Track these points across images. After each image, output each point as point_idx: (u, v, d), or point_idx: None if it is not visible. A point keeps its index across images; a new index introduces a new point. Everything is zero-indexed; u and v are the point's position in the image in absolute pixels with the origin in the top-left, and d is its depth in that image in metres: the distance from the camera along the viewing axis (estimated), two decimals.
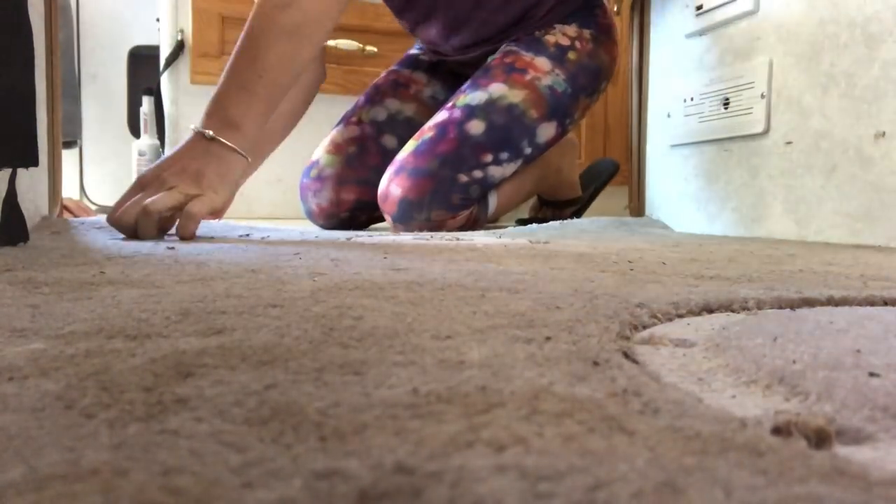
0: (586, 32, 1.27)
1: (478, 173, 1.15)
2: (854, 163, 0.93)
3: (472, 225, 1.20)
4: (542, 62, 1.22)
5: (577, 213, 1.55)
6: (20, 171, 0.66)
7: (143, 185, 0.83)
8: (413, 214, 1.11)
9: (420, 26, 1.30)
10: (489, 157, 1.15)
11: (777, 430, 0.19)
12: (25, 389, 0.21)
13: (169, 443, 0.17)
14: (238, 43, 0.91)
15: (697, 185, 1.24)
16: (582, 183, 1.55)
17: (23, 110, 0.63)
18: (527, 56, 1.22)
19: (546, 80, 1.21)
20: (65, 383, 0.22)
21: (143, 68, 2.11)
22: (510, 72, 1.20)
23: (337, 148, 1.29)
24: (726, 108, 1.15)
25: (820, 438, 0.19)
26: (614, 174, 1.59)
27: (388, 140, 1.31)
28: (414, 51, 1.44)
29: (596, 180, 1.58)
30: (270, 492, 0.14)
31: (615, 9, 1.97)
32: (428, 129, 1.17)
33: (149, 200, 0.79)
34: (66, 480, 0.15)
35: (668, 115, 1.31)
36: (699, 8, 1.21)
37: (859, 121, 0.92)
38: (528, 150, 1.20)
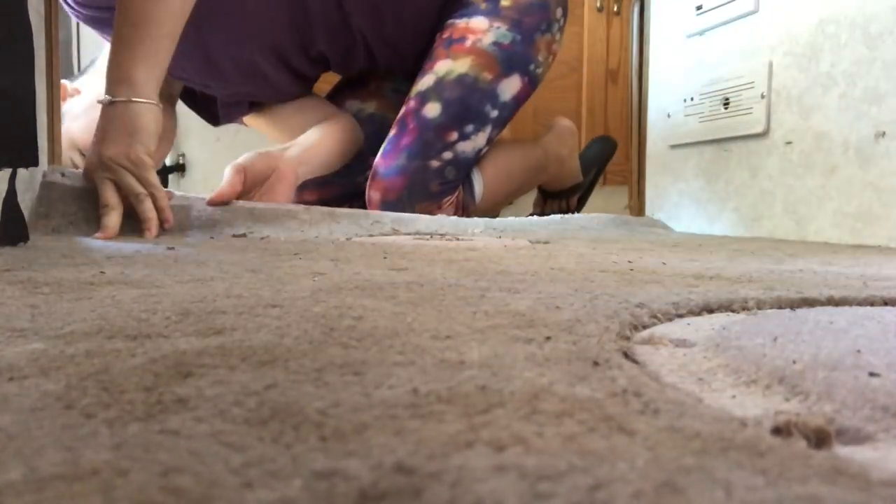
0: None
1: (447, 154, 1.13)
2: (854, 163, 0.93)
3: (463, 212, 1.19)
4: (478, 22, 1.18)
5: (582, 199, 1.54)
6: (20, 171, 0.66)
7: (90, 177, 0.85)
8: (398, 212, 1.12)
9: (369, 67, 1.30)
10: (454, 135, 1.14)
11: (777, 430, 0.19)
12: (25, 389, 0.21)
13: (169, 443, 0.17)
14: (116, 7, 0.89)
15: (697, 185, 1.24)
16: (584, 165, 1.53)
17: (23, 110, 0.63)
18: (461, 23, 1.19)
19: (488, 38, 1.17)
20: (65, 383, 0.22)
21: None
22: (450, 45, 1.18)
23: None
24: (726, 108, 1.15)
25: (820, 438, 0.19)
26: (612, 153, 1.57)
27: None
28: None
29: (592, 163, 1.56)
30: (270, 492, 0.14)
31: (615, 9, 1.98)
32: (391, 129, 1.17)
33: (99, 233, 0.81)
34: (66, 480, 0.15)
35: (668, 115, 1.31)
36: (699, 8, 1.21)
37: (859, 121, 0.92)
38: (494, 113, 1.17)
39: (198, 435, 0.17)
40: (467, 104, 1.15)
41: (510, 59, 1.18)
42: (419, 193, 1.12)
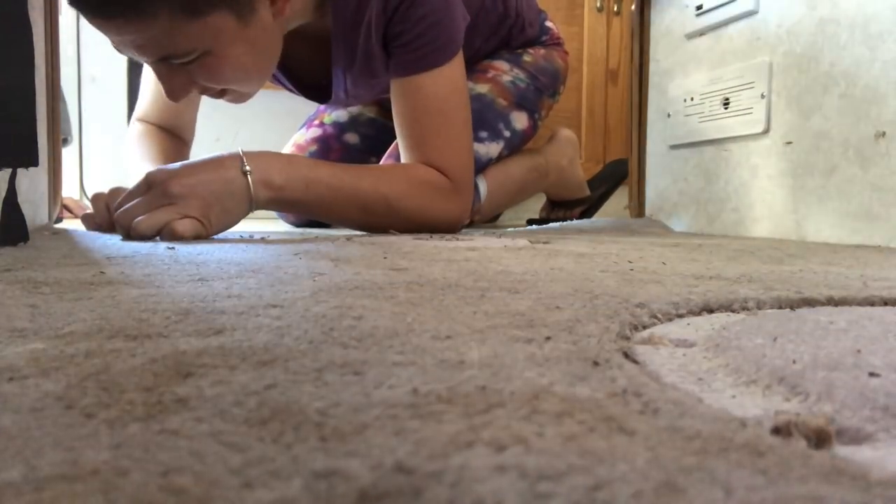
0: (536, 46, 1.33)
1: None
2: (854, 163, 0.93)
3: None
4: (501, 63, 1.26)
5: (587, 213, 1.55)
6: (20, 171, 0.66)
7: (149, 184, 0.79)
8: None
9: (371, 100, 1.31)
10: None
11: (777, 430, 0.19)
12: (25, 389, 0.21)
13: (169, 443, 0.17)
14: (354, 172, 0.88)
15: (697, 185, 1.24)
16: (596, 183, 1.55)
17: (23, 110, 0.63)
18: (483, 62, 1.26)
19: (507, 77, 1.25)
20: (65, 383, 0.22)
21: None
22: (472, 74, 1.22)
23: (299, 149, 1.31)
24: (726, 108, 1.15)
25: (820, 438, 0.19)
26: (625, 176, 1.60)
27: (350, 137, 1.32)
28: None
29: (608, 181, 1.59)
30: (270, 492, 0.14)
31: (615, 9, 1.98)
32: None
33: (139, 220, 0.76)
34: (66, 480, 0.15)
35: (668, 115, 1.31)
36: (699, 8, 1.21)
37: (859, 121, 0.92)
38: (506, 133, 1.22)
39: (198, 435, 0.17)
40: (483, 116, 1.20)
41: (523, 97, 1.25)
42: None
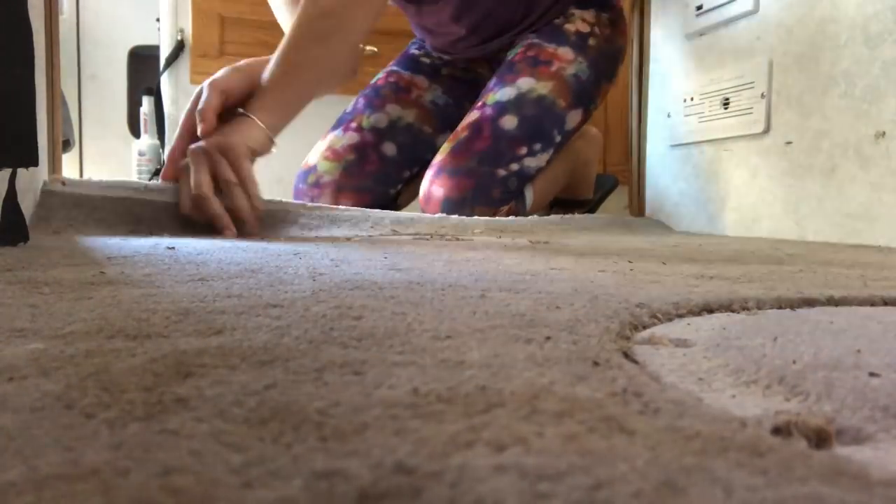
0: (604, 17, 1.29)
1: (514, 166, 1.17)
2: (854, 163, 0.93)
3: None
4: (566, 52, 1.24)
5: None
6: (20, 170, 0.66)
7: (194, 157, 0.89)
8: (456, 213, 1.13)
9: (427, 8, 1.29)
10: (524, 150, 1.18)
11: (777, 430, 0.19)
12: (25, 389, 0.21)
13: (169, 443, 0.17)
14: (283, 42, 0.98)
15: (697, 185, 1.24)
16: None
17: (23, 110, 0.63)
18: (549, 47, 1.24)
19: (571, 69, 1.23)
20: (65, 383, 0.22)
21: (143, 68, 2.11)
22: (535, 65, 1.22)
23: (335, 154, 1.29)
24: (726, 108, 1.15)
25: (820, 438, 0.19)
26: (613, 188, 1.61)
27: (388, 148, 1.31)
28: (414, 51, 1.43)
29: (599, 185, 1.59)
30: (270, 492, 0.14)
31: None
32: (462, 130, 1.19)
33: (191, 187, 0.87)
34: (66, 480, 0.15)
35: (668, 115, 1.31)
36: (699, 8, 1.21)
37: (859, 121, 0.92)
38: (558, 139, 1.22)
39: (198, 435, 0.17)
40: (541, 124, 1.20)
41: (581, 93, 1.24)
42: (482, 198, 1.15)
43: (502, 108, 1.18)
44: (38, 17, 0.87)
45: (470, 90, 1.36)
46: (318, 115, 1.46)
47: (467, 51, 1.35)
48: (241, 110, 0.94)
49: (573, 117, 1.24)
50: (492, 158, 1.16)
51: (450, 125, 1.32)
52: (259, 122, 0.93)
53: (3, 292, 0.39)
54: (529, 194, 1.25)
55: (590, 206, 1.54)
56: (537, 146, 1.19)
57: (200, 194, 0.87)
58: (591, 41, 1.27)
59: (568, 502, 0.14)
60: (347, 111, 1.36)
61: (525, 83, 1.20)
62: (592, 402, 0.20)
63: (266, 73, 0.97)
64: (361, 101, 1.35)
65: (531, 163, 1.19)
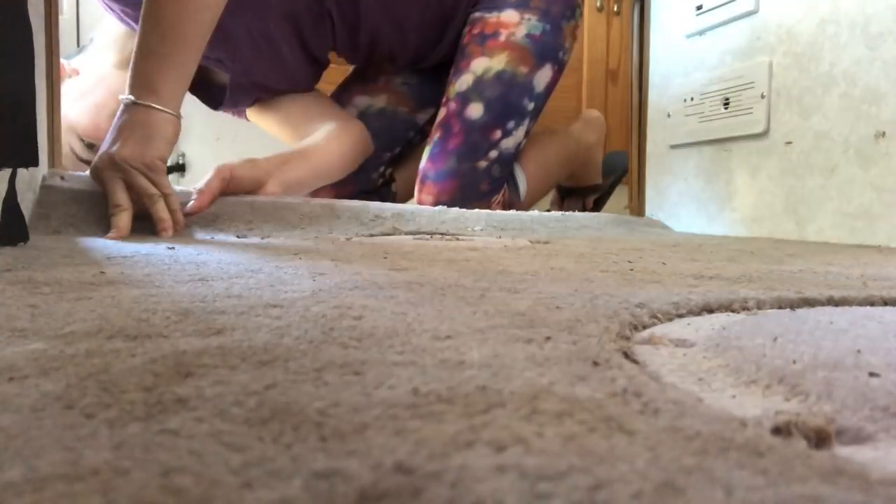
0: None
1: (493, 153, 1.16)
2: (854, 163, 0.93)
3: (507, 208, 1.21)
4: (509, 15, 1.19)
5: (599, 202, 1.54)
6: (20, 170, 0.66)
7: (99, 176, 0.83)
8: None
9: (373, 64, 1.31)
10: (498, 134, 1.16)
11: (777, 430, 0.19)
12: (25, 389, 0.21)
13: (169, 443, 0.17)
14: (142, 10, 0.88)
15: (697, 185, 1.24)
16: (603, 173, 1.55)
17: (23, 110, 0.63)
18: (492, 17, 1.20)
19: (521, 31, 1.19)
20: (65, 383, 0.22)
21: None
22: (483, 41, 1.19)
23: None
24: (726, 108, 1.15)
25: (820, 438, 0.19)
26: (625, 172, 1.60)
27: None
28: None
29: (612, 171, 1.58)
30: (270, 492, 0.14)
31: (615, 9, 1.98)
32: (435, 131, 1.18)
33: (112, 232, 0.80)
34: (66, 480, 0.15)
35: (668, 115, 1.31)
36: (699, 8, 1.21)
37: (859, 121, 0.92)
38: (531, 106, 1.20)
39: (198, 435, 0.17)
40: (508, 101, 1.17)
41: (542, 50, 1.20)
42: (471, 194, 1.15)
43: (464, 98, 1.16)
44: (37, 16, 0.87)
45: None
46: None
47: (415, 63, 1.33)
48: (130, 99, 0.84)
49: (542, 77, 1.20)
50: (469, 153, 1.14)
51: (429, 100, 1.31)
52: (159, 110, 0.85)
53: (3, 292, 0.39)
54: (522, 181, 1.24)
55: (603, 190, 1.54)
56: (510, 124, 1.17)
57: (118, 205, 0.83)
58: None
59: (568, 502, 0.14)
60: None
61: (479, 65, 1.17)
62: (592, 403, 0.20)
63: (135, 52, 0.87)
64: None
65: (508, 143, 1.17)
